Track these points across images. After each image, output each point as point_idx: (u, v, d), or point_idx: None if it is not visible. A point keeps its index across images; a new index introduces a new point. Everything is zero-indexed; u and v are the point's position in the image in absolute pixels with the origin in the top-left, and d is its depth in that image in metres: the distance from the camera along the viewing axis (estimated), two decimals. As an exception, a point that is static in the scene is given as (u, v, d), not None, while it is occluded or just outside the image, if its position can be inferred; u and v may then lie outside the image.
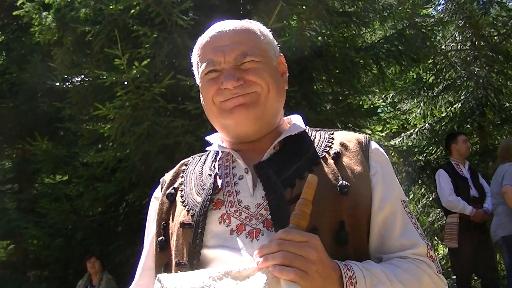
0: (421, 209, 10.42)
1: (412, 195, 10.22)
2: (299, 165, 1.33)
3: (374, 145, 1.41)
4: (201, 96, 1.45)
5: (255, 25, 1.45)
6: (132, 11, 5.70)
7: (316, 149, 1.38)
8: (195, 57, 1.45)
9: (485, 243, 5.78)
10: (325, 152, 1.37)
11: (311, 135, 1.45)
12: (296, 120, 1.49)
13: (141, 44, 5.65)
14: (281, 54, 1.49)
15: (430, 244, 1.34)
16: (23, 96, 8.51)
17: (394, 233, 1.30)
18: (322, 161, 1.34)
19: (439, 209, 9.33)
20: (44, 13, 6.20)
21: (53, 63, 6.42)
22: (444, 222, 6.45)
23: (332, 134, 1.44)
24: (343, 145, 1.38)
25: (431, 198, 10.07)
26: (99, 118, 6.21)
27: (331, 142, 1.40)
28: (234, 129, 1.38)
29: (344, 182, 1.27)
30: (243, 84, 1.33)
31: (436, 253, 9.89)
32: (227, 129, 1.40)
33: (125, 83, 5.54)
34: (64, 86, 7.81)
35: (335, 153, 1.35)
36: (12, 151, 10.03)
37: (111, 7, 5.77)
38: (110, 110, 5.49)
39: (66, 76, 7.58)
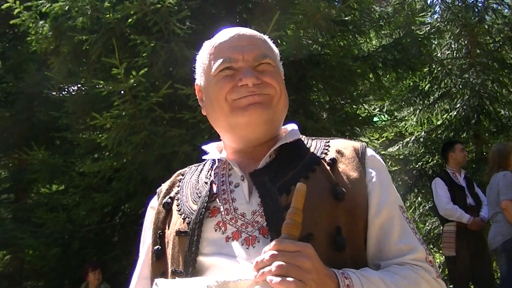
0: (417, 217, 10.41)
1: (408, 204, 10.21)
2: (295, 172, 1.33)
3: (370, 152, 1.42)
4: (204, 95, 1.46)
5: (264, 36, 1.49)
6: (130, 20, 5.69)
7: (312, 156, 1.39)
8: (204, 56, 1.45)
9: (482, 251, 5.78)
10: (321, 159, 1.37)
11: (307, 143, 1.47)
12: (292, 128, 1.50)
13: (138, 53, 5.63)
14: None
15: (429, 249, 1.34)
16: (19, 105, 8.48)
17: (392, 238, 1.30)
18: (318, 168, 1.34)
19: (435, 218, 9.33)
20: (40, 22, 6.18)
21: (49, 72, 6.39)
22: (441, 230, 6.45)
23: (328, 142, 1.45)
24: (339, 152, 1.40)
25: (427, 207, 10.07)
26: (96, 128, 6.18)
27: (327, 149, 1.41)
28: (244, 129, 1.37)
29: (340, 188, 1.28)
30: (260, 84, 1.35)
31: (433, 262, 9.85)
32: (235, 129, 1.39)
33: (122, 92, 5.53)
34: (61, 95, 7.77)
35: (331, 159, 1.36)
36: (8, 161, 9.98)
37: (108, 16, 5.76)
38: (107, 120, 5.47)
39: (62, 85, 7.57)
